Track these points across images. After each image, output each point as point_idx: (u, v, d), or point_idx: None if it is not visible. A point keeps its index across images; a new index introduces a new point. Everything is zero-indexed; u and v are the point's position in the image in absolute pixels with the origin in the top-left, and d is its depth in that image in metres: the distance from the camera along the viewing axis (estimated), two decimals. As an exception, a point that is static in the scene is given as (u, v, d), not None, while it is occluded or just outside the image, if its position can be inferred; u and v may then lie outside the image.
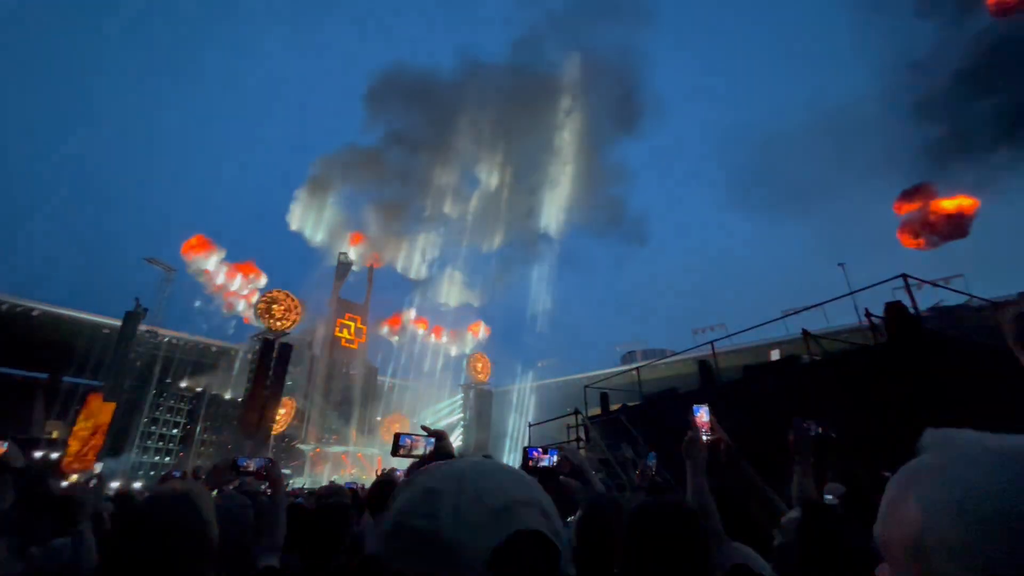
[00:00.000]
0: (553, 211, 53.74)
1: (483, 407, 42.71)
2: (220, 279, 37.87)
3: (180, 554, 1.11)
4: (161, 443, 31.36)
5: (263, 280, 38.63)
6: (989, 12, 24.56)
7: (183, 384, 35.60)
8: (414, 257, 51.21)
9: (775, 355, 21.43)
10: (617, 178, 53.20)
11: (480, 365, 44.66)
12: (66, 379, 35.30)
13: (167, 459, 31.04)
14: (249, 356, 34.20)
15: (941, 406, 5.22)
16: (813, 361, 8.00)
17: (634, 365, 22.77)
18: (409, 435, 1.99)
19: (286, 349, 32.99)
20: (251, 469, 2.38)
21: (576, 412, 10.91)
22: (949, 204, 25.64)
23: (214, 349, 40.06)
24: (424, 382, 47.67)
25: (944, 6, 27.34)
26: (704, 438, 1.75)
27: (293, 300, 35.32)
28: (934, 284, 9.19)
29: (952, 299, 9.73)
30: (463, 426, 42.62)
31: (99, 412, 28.44)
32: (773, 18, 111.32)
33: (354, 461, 38.48)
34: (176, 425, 32.31)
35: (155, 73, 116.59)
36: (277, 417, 32.64)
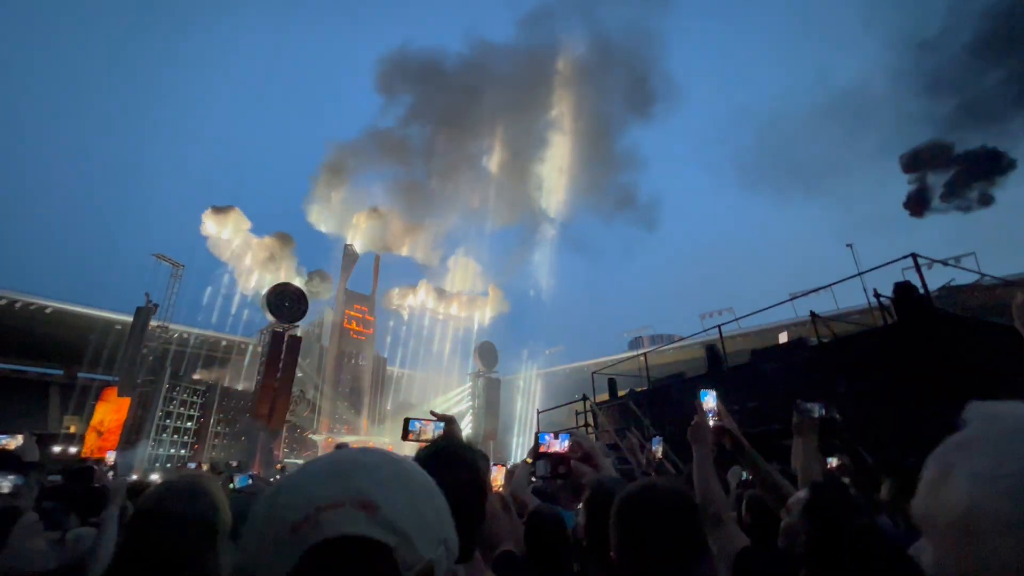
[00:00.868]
0: (560, 196, 53.55)
1: (492, 395, 42.98)
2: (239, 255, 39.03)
3: (192, 543, 1.12)
4: (176, 435, 31.82)
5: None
6: None
7: (195, 377, 36.08)
8: (420, 244, 51.23)
9: (783, 338, 21.31)
10: (626, 162, 52.73)
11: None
12: (81, 375, 35.90)
13: (182, 451, 31.57)
14: (259, 348, 34.55)
15: (951, 387, 5.18)
16: (821, 343, 7.96)
17: (641, 351, 22.75)
18: (419, 420, 2.02)
19: (295, 341, 33.27)
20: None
21: (584, 398, 10.96)
22: None
23: (224, 343, 40.53)
24: (433, 371, 48.05)
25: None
26: (711, 423, 1.75)
27: (301, 293, 35.56)
28: (944, 263, 9.07)
29: (963, 277, 9.62)
30: (472, 414, 42.96)
31: (114, 407, 28.98)
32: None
33: (365, 450, 38.93)
34: (190, 418, 32.77)
35: (162, 65, 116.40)
36: (291, 407, 33.11)
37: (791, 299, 13.42)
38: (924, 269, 6.80)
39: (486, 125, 51.75)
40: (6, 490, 2.27)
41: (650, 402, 10.27)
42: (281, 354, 31.97)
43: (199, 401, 33.52)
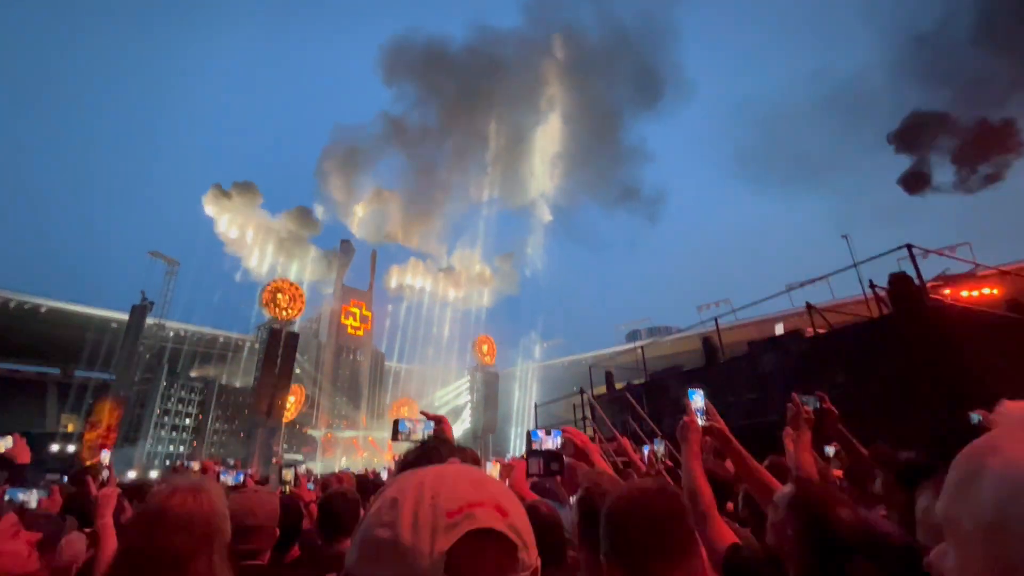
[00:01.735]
0: (561, 186, 53.52)
1: (490, 389, 43.10)
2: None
3: (192, 547, 1.12)
4: (175, 433, 31.87)
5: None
6: None
7: (193, 374, 36.06)
8: (421, 232, 51.18)
9: (779, 329, 21.40)
10: (630, 154, 52.62)
11: (486, 347, 44.97)
12: (78, 373, 35.83)
13: (181, 448, 31.59)
14: (256, 345, 34.55)
15: (945, 377, 5.20)
16: (817, 335, 7.98)
17: (638, 343, 22.81)
18: (409, 420, 2.02)
19: (293, 338, 33.27)
20: None
21: (581, 391, 10.98)
22: None
23: (221, 340, 40.46)
24: (431, 366, 48.11)
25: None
26: (700, 423, 1.76)
27: (298, 289, 35.53)
28: (939, 253, 9.09)
29: (958, 267, 9.65)
30: (471, 408, 43.10)
31: (112, 405, 28.95)
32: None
33: (365, 445, 39.13)
34: (188, 415, 32.80)
35: (159, 61, 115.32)
36: (288, 405, 33.10)
37: (787, 290, 13.48)
38: (919, 259, 6.81)
39: (488, 114, 51.69)
40: None
41: (648, 395, 10.30)
42: (279, 351, 31.99)
43: (197, 398, 33.53)
